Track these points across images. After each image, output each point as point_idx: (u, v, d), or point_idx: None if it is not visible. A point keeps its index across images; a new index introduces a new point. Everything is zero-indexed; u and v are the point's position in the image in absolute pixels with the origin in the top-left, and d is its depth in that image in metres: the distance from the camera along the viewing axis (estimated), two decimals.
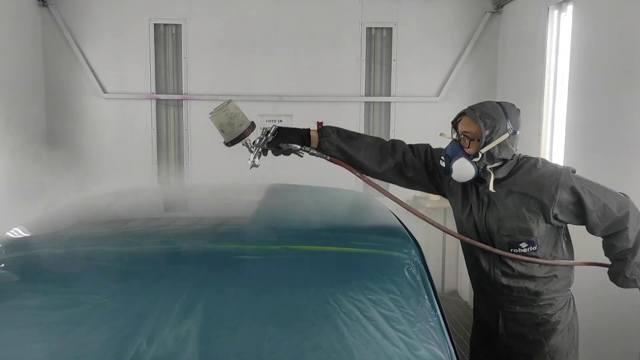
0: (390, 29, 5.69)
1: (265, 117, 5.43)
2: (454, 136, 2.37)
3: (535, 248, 2.34)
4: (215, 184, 3.32)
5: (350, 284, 1.75)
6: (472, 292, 2.73)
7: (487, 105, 2.33)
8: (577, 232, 2.45)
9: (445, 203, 2.70)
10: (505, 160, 2.31)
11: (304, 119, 5.13)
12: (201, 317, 1.63)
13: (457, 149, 2.31)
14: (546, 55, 4.57)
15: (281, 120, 5.49)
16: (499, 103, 2.34)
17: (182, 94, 5.60)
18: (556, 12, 4.52)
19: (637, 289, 2.37)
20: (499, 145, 2.26)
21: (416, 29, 5.65)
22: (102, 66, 5.48)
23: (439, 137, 2.48)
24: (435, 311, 1.76)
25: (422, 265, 1.87)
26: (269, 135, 2.34)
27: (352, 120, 5.55)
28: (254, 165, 2.32)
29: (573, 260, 2.47)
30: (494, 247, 2.37)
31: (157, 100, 5.61)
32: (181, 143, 5.68)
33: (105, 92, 5.49)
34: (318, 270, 1.83)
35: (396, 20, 5.64)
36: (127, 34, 5.49)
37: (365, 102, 5.74)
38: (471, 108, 2.32)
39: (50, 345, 1.58)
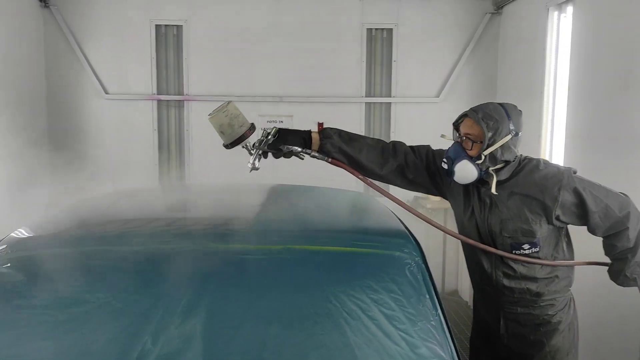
0: (390, 30, 5.70)
1: (265, 117, 5.46)
2: (456, 137, 2.36)
3: (538, 249, 2.33)
4: (217, 185, 3.34)
5: (352, 283, 1.76)
6: (472, 292, 2.73)
7: (489, 106, 2.30)
8: (577, 232, 2.46)
9: (446, 204, 2.69)
10: (507, 162, 2.30)
11: (304, 119, 5.17)
12: (204, 317, 1.64)
13: (459, 151, 2.30)
14: (546, 56, 4.58)
15: (282, 121, 5.52)
16: (500, 104, 2.33)
17: (183, 95, 5.61)
18: (556, 13, 4.53)
19: (637, 288, 2.37)
20: (501, 147, 2.25)
21: (416, 29, 5.67)
22: (104, 67, 5.50)
23: (440, 138, 2.47)
24: (437, 310, 1.78)
25: (423, 265, 1.89)
26: (269, 137, 2.29)
27: (352, 121, 5.56)
28: (254, 168, 2.28)
29: (573, 260, 2.48)
30: (497, 248, 2.36)
31: (159, 101, 5.62)
32: (182, 144, 5.70)
33: (106, 93, 5.51)
34: (320, 269, 1.84)
35: (397, 21, 5.65)
36: (128, 35, 5.51)
37: (365, 102, 5.75)
38: (473, 110, 2.30)
39: (56, 343, 1.59)
